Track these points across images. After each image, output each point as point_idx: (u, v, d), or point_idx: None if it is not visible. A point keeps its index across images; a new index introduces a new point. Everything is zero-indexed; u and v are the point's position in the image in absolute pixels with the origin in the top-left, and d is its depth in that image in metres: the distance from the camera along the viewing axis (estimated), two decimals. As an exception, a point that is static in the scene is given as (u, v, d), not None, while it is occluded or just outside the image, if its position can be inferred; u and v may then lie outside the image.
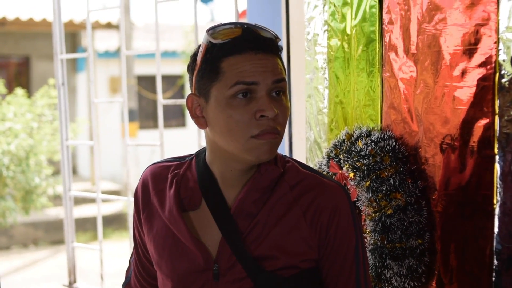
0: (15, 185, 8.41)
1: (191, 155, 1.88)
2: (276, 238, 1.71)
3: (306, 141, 2.84)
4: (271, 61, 1.68)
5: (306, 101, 2.81)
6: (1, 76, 13.96)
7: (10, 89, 9.55)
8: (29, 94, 9.34)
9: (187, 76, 1.80)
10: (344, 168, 2.27)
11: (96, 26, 13.45)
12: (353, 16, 2.44)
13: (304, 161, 2.92)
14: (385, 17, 2.30)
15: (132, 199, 2.92)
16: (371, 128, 2.32)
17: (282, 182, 1.76)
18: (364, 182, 2.16)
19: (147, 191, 1.84)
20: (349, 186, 2.29)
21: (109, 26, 14.05)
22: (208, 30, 1.70)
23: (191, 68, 1.76)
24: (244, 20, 4.26)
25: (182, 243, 1.76)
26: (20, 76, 15.25)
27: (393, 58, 2.27)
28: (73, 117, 12.98)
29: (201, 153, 1.85)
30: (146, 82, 15.85)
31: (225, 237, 1.72)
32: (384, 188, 2.11)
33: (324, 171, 2.41)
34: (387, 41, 2.30)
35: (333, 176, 2.37)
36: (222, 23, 1.72)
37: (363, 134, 2.28)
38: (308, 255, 1.72)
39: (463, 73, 1.99)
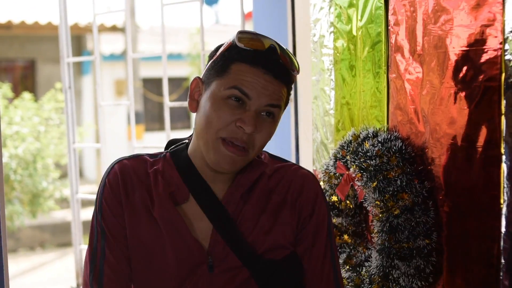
0: (22, 188, 8.43)
1: (161, 152, 1.91)
2: (264, 224, 1.81)
3: (313, 142, 2.85)
4: (275, 87, 1.73)
5: (313, 102, 2.82)
6: (7, 79, 13.98)
7: (16, 92, 9.56)
8: (35, 97, 9.34)
9: (192, 79, 1.85)
10: (351, 169, 2.28)
11: (102, 29, 13.47)
12: (359, 18, 2.45)
13: (311, 162, 2.93)
14: (391, 18, 2.31)
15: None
16: (378, 129, 2.33)
17: (263, 174, 1.86)
18: (371, 183, 2.16)
19: (128, 185, 1.82)
20: (356, 187, 2.29)
21: (114, 29, 14.07)
22: (239, 31, 1.76)
23: (211, 55, 1.83)
24: (249, 23, 4.26)
25: (176, 238, 1.78)
26: (26, 79, 15.28)
27: (399, 59, 2.27)
28: (78, 120, 13.00)
29: (178, 150, 1.88)
30: (152, 84, 15.87)
31: (217, 228, 1.78)
32: (391, 189, 2.12)
33: (331, 172, 2.42)
34: (393, 42, 2.30)
35: (340, 177, 2.38)
36: (258, 33, 1.78)
37: (370, 135, 2.28)
38: (293, 237, 1.83)
39: (469, 73, 2.00)
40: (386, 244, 2.12)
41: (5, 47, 13.83)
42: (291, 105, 3.26)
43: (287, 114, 3.34)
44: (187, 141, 1.91)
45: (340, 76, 2.56)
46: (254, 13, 3.83)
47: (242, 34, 1.75)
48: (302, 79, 3.17)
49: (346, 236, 2.43)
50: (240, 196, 1.82)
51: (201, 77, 1.83)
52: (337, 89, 2.59)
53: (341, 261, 2.40)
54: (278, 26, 3.47)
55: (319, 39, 2.73)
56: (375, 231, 2.19)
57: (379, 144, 2.22)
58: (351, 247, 2.42)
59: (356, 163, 2.25)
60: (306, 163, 3.16)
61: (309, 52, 2.89)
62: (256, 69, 1.72)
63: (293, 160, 3.30)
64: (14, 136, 8.41)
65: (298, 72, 1.80)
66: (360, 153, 2.25)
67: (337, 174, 2.39)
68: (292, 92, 3.24)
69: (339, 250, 2.43)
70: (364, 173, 2.20)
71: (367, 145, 2.24)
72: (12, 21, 12.76)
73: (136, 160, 1.86)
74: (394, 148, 2.19)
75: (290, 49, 3.23)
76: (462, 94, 2.02)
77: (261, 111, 1.74)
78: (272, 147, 3.47)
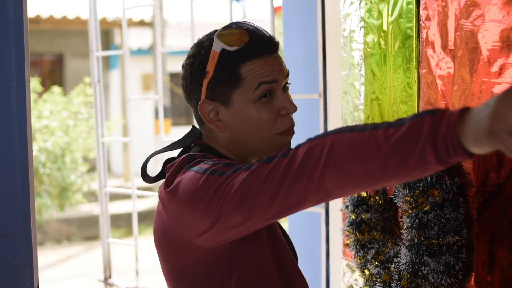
0: (51, 182, 8.50)
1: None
2: None
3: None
4: (279, 59, 1.80)
5: (342, 97, 2.81)
6: (36, 74, 14.10)
7: (44, 86, 9.64)
8: (63, 91, 9.41)
9: (199, 105, 1.81)
10: None
11: (130, 23, 13.53)
12: (390, 13, 2.44)
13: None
14: (422, 13, 2.29)
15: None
16: None
17: None
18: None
19: None
20: None
21: (142, 23, 14.14)
22: (217, 36, 1.76)
23: (197, 76, 1.79)
24: (278, 17, 4.26)
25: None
26: (54, 73, 15.39)
27: (430, 55, 2.26)
28: (106, 114, 13.07)
29: (205, 150, 1.85)
30: (179, 79, 15.87)
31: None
32: (421, 185, 2.11)
33: None
34: (424, 37, 2.29)
35: None
36: (223, 27, 1.79)
37: None
38: None
39: (501, 69, 1.98)
40: (415, 240, 2.11)
41: (33, 41, 13.94)
42: (320, 100, 3.25)
43: (316, 109, 3.33)
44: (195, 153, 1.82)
45: (370, 71, 2.55)
46: (283, 8, 3.83)
47: (225, 38, 1.75)
48: (331, 74, 3.17)
49: (375, 232, 2.42)
50: None
51: (205, 99, 1.79)
52: (367, 84, 2.58)
53: (369, 257, 2.39)
54: (308, 20, 3.46)
55: (349, 34, 2.72)
56: (405, 227, 2.18)
57: None
58: (380, 243, 2.41)
59: None
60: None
61: (338, 47, 2.88)
62: (262, 58, 1.75)
63: (322, 156, 3.29)
64: (43, 130, 8.49)
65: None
66: None
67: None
68: (321, 87, 3.23)
69: (368, 246, 2.42)
70: None
71: None
72: (40, 15, 12.86)
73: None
74: None
75: (320, 44, 3.22)
76: (494, 89, 2.00)
77: (283, 88, 1.80)
78: (301, 142, 3.47)
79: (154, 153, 1.97)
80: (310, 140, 1.48)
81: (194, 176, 1.63)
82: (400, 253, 2.26)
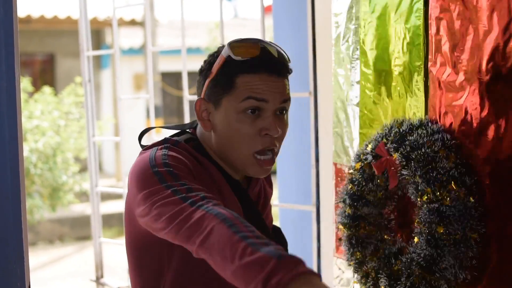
0: (42, 182, 8.48)
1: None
2: (268, 213, 2.09)
3: (334, 135, 2.83)
4: (281, 83, 1.84)
5: (334, 95, 2.81)
6: (27, 73, 14.04)
7: (35, 86, 9.62)
8: (54, 91, 9.39)
9: (195, 101, 1.91)
10: (396, 156, 2.24)
11: (120, 23, 13.51)
12: (391, 10, 2.42)
13: (331, 156, 2.92)
14: (431, 12, 2.26)
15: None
16: (422, 120, 2.28)
17: None
18: (419, 172, 2.15)
19: (192, 165, 1.84)
20: (390, 173, 2.27)
21: (133, 23, 14.12)
22: (229, 44, 1.83)
23: (204, 73, 1.90)
24: (268, 16, 4.26)
25: None
26: (45, 73, 15.35)
27: (438, 51, 2.23)
28: (98, 114, 13.05)
29: (190, 140, 1.94)
30: (170, 78, 15.89)
31: (247, 216, 1.89)
32: (440, 179, 2.11)
33: (366, 159, 2.39)
34: (431, 34, 2.26)
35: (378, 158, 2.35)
36: (242, 38, 1.86)
37: (414, 126, 2.26)
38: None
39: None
40: (434, 234, 2.11)
41: (24, 41, 13.89)
42: (310, 98, 3.25)
43: (306, 107, 3.33)
44: (184, 137, 1.96)
45: (365, 71, 2.54)
46: (273, 7, 3.83)
47: (234, 45, 1.82)
48: (321, 73, 3.17)
49: (372, 227, 2.42)
50: (257, 192, 2.04)
51: (202, 97, 1.89)
52: (362, 82, 2.58)
53: (367, 252, 2.40)
54: (298, 19, 3.47)
55: (342, 31, 2.71)
56: (420, 221, 2.16)
57: (427, 135, 2.19)
58: (379, 239, 2.41)
59: (400, 150, 2.21)
60: (326, 157, 3.15)
61: (329, 45, 2.88)
62: (260, 75, 1.81)
63: (313, 154, 3.30)
64: (34, 130, 8.46)
65: (289, 59, 1.90)
66: (406, 142, 2.21)
67: (373, 161, 2.35)
68: (311, 86, 3.24)
69: (366, 240, 2.42)
70: (411, 162, 2.18)
71: (414, 135, 2.21)
72: (31, 15, 12.83)
73: (184, 146, 1.91)
74: (442, 139, 2.17)
75: (310, 42, 3.22)
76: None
77: (277, 111, 1.84)
78: (291, 141, 3.47)
79: (153, 127, 2.16)
80: (207, 210, 1.60)
81: (146, 166, 1.77)
82: (408, 248, 2.25)
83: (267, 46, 1.84)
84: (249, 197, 1.98)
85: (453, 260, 2.08)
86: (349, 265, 2.50)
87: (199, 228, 1.57)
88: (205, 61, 1.91)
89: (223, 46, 1.86)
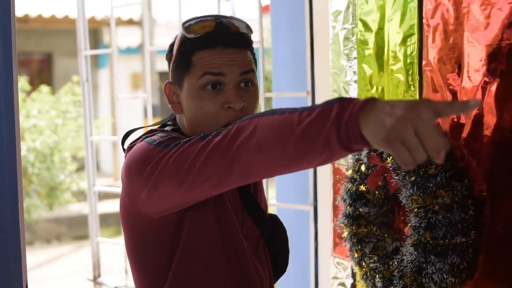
0: (40, 181, 8.48)
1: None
2: (256, 195, 2.04)
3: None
4: (239, 55, 1.82)
5: (332, 95, 2.81)
6: (24, 73, 14.03)
7: (33, 85, 9.61)
8: (52, 90, 9.39)
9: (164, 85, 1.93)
10: (388, 161, 2.25)
11: (118, 22, 13.48)
12: (387, 10, 2.42)
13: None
14: (425, 11, 2.26)
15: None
16: None
17: None
18: (409, 177, 2.15)
19: None
20: (390, 180, 2.27)
21: (130, 22, 14.10)
22: (183, 24, 1.84)
23: (168, 57, 1.91)
24: (266, 16, 4.26)
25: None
26: (43, 73, 15.33)
27: (434, 52, 2.23)
28: (95, 113, 13.04)
29: (173, 130, 1.93)
30: (168, 78, 15.85)
31: (244, 202, 1.96)
32: (430, 185, 2.11)
33: (363, 162, 2.40)
34: (427, 34, 2.26)
35: (372, 168, 2.36)
36: (198, 16, 1.86)
37: None
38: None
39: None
40: (422, 239, 2.11)
41: (22, 40, 13.87)
42: (308, 98, 3.25)
43: (304, 107, 3.33)
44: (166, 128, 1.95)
45: (363, 69, 2.54)
46: (271, 6, 3.83)
47: (188, 25, 1.82)
48: (319, 72, 3.17)
49: (372, 226, 2.42)
50: None
51: (170, 81, 1.90)
52: (360, 81, 2.57)
53: (367, 251, 2.40)
54: (296, 18, 3.46)
55: (339, 31, 2.71)
56: (410, 226, 2.17)
57: None
58: (379, 238, 2.41)
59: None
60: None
61: (327, 45, 2.88)
62: (215, 49, 1.79)
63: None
64: (32, 129, 8.46)
65: (251, 31, 1.88)
66: None
67: (370, 165, 2.37)
68: (309, 85, 3.24)
69: (366, 240, 2.43)
70: (402, 168, 2.17)
71: None
72: (29, 14, 12.81)
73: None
74: None
75: (308, 42, 3.22)
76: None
77: (239, 83, 1.82)
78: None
79: (135, 128, 2.09)
80: (240, 121, 1.53)
81: (144, 145, 1.73)
82: (402, 250, 2.26)
83: (223, 19, 1.83)
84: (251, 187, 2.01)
85: (441, 265, 2.08)
86: (347, 266, 2.50)
87: (237, 139, 1.50)
88: (169, 45, 1.92)
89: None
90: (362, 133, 1.28)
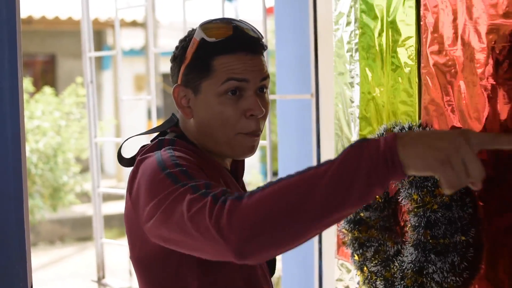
0: (43, 182, 8.49)
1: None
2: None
3: (336, 137, 2.83)
4: (258, 61, 1.79)
5: (336, 97, 2.80)
6: (28, 74, 14.05)
7: (36, 87, 9.63)
8: (56, 92, 9.40)
9: (173, 89, 1.87)
10: None
11: (122, 24, 13.45)
12: (387, 12, 2.43)
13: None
14: (423, 13, 2.27)
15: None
16: (412, 124, 2.29)
17: None
18: (407, 177, 2.15)
19: (196, 160, 1.76)
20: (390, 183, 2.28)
21: (134, 24, 14.12)
22: (201, 26, 1.78)
23: (178, 59, 1.84)
24: (270, 18, 4.26)
25: None
26: (46, 74, 15.36)
27: (432, 53, 2.24)
28: (99, 114, 13.05)
29: (177, 138, 1.87)
30: (170, 80, 15.84)
31: None
32: (428, 184, 2.11)
33: None
34: (425, 37, 2.26)
35: None
36: (213, 18, 1.81)
37: (405, 129, 2.26)
38: None
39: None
40: (422, 239, 2.11)
41: (25, 41, 13.80)
42: (312, 100, 3.25)
43: (308, 109, 3.33)
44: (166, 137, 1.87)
45: (366, 71, 2.55)
46: (275, 8, 3.83)
47: (206, 27, 1.78)
48: (323, 74, 3.17)
49: (374, 231, 2.42)
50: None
51: (180, 83, 1.84)
52: (362, 84, 2.58)
53: (368, 255, 2.40)
54: (300, 20, 3.47)
55: (343, 33, 2.71)
56: (410, 226, 2.17)
57: None
58: (380, 242, 2.41)
59: None
60: (327, 158, 3.14)
61: (331, 47, 2.88)
62: (236, 54, 1.76)
63: (314, 156, 3.29)
64: (35, 131, 8.47)
65: (262, 36, 1.85)
66: None
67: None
68: (313, 88, 3.24)
69: (367, 244, 2.43)
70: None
71: None
72: (32, 16, 12.83)
73: (181, 143, 1.85)
74: None
75: (312, 44, 3.22)
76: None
77: (258, 89, 1.79)
78: (293, 142, 3.46)
79: (131, 136, 2.06)
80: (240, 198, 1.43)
81: (155, 168, 1.64)
82: (403, 252, 2.26)
83: (239, 24, 1.79)
84: (244, 187, 2.00)
85: (441, 264, 2.08)
86: (350, 269, 2.50)
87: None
88: (177, 47, 1.86)
89: (194, 30, 1.82)
90: (401, 161, 1.31)
